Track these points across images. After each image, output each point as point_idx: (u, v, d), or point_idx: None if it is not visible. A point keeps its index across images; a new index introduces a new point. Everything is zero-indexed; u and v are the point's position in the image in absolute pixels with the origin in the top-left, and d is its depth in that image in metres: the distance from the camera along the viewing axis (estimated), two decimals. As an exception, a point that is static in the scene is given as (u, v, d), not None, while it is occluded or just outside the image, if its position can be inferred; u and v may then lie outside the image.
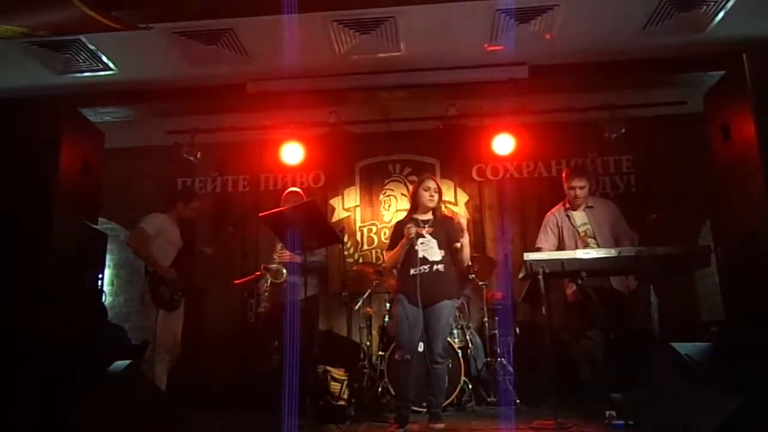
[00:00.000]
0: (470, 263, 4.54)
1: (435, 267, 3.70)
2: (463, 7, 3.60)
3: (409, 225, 3.74)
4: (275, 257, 4.58)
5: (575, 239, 4.24)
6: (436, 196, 3.82)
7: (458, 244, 3.73)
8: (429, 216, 3.84)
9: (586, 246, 4.16)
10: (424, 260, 3.72)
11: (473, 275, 4.82)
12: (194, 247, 4.91)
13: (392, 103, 5.07)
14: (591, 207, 4.33)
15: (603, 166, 5.80)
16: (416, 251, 3.72)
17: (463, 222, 3.75)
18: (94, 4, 3.18)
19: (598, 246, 4.14)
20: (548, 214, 4.44)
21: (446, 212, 4.24)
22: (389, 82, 4.45)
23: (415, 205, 3.88)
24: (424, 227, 3.77)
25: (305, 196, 4.60)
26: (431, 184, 3.83)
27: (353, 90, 4.56)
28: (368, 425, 3.98)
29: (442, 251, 3.73)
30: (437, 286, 3.67)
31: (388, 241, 4.14)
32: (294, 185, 5.91)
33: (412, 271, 3.70)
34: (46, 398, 2.92)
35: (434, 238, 3.74)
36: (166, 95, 4.59)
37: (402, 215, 4.26)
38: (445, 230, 3.78)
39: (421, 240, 3.73)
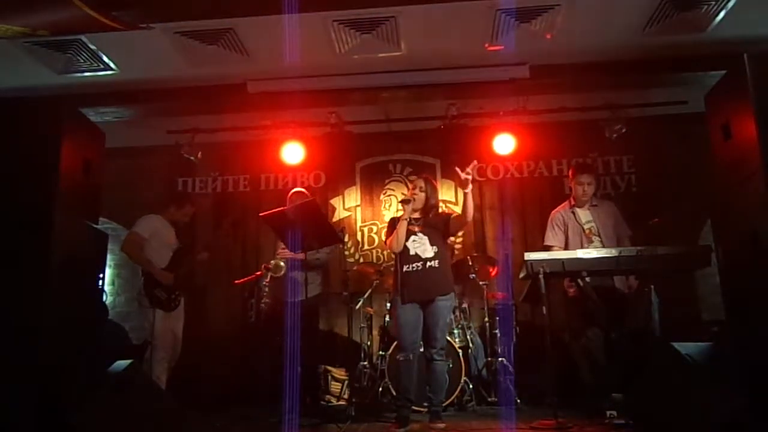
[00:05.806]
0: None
1: (428, 264, 3.72)
2: (464, 7, 3.60)
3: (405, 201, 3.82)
4: (277, 254, 4.59)
5: (580, 236, 4.26)
6: (418, 191, 3.84)
7: (467, 190, 3.62)
8: (419, 215, 3.86)
9: (590, 243, 4.18)
10: (417, 257, 3.74)
11: (473, 275, 4.82)
12: (192, 246, 4.90)
13: (392, 103, 5.07)
14: (595, 206, 4.36)
15: (604, 166, 5.79)
16: (408, 249, 3.74)
17: (469, 177, 3.58)
18: (95, 4, 3.17)
19: (603, 243, 4.16)
20: (553, 212, 4.45)
21: (444, 210, 4.24)
22: (389, 82, 4.45)
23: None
24: (415, 225, 3.79)
25: (308, 195, 4.58)
26: (419, 183, 3.89)
27: (353, 90, 4.56)
28: (369, 425, 3.98)
29: (435, 247, 3.75)
30: (431, 282, 3.68)
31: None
32: (295, 185, 5.91)
33: (405, 269, 3.73)
34: (46, 398, 2.92)
35: (425, 234, 3.77)
36: (167, 95, 4.58)
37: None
38: (435, 225, 3.81)
39: (412, 238, 3.75)
